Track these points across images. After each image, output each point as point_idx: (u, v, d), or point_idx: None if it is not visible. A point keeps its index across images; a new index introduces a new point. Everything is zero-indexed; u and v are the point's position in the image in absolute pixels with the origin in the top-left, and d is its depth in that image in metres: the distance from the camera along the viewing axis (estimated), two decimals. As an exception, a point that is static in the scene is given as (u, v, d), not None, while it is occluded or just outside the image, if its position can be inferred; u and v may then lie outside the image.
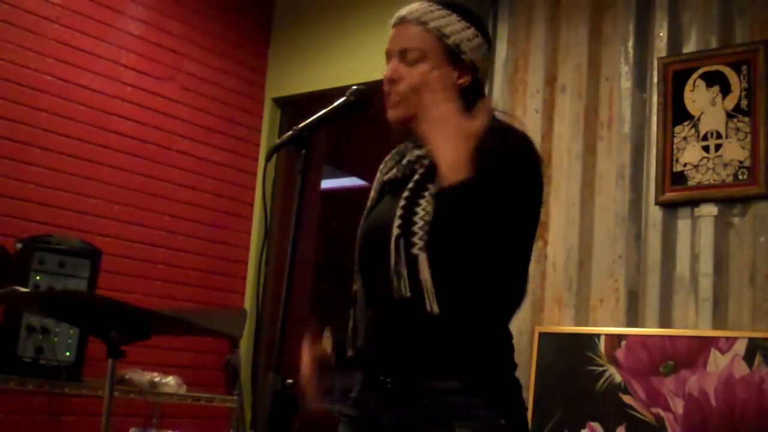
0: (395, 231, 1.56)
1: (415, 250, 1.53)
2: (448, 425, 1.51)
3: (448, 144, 1.48)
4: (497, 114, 1.72)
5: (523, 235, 1.58)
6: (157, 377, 3.34)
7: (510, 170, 1.55)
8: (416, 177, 1.60)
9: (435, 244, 1.52)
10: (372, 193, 1.77)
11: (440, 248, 1.52)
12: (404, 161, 1.67)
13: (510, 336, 1.65)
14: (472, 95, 1.67)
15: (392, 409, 1.57)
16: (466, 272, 1.52)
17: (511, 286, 1.56)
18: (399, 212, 1.57)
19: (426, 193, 1.56)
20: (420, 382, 1.55)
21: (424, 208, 1.55)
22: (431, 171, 1.58)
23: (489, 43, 1.73)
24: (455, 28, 1.67)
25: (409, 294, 1.52)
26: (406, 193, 1.59)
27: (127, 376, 3.26)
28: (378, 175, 1.78)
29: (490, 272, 1.51)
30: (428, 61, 1.65)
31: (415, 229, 1.54)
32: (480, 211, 1.46)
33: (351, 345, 1.70)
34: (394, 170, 1.69)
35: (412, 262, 1.53)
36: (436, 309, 1.50)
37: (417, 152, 1.65)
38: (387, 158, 1.79)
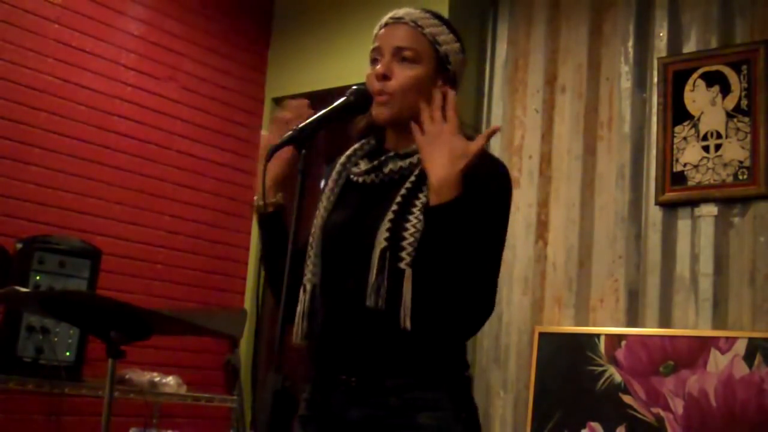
0: (381, 243, 1.56)
1: (402, 265, 1.54)
2: (413, 417, 1.55)
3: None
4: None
5: (498, 253, 1.63)
6: (157, 377, 3.34)
7: (496, 196, 1.62)
8: (403, 192, 1.60)
9: (418, 261, 1.54)
10: (332, 185, 1.74)
11: (423, 267, 1.54)
12: (385, 169, 1.67)
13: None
14: None
15: (357, 406, 1.59)
16: (442, 289, 1.54)
17: (483, 302, 1.57)
18: (387, 225, 1.57)
19: (415, 209, 1.58)
20: (385, 381, 1.57)
21: (414, 225, 1.56)
22: (419, 185, 1.60)
23: (465, 62, 1.77)
24: (446, 38, 1.70)
25: (384, 307, 1.54)
26: (394, 207, 1.59)
27: (127, 376, 3.26)
28: (339, 168, 1.76)
29: (465, 289, 1.53)
30: (421, 64, 1.66)
31: (405, 244, 1.55)
32: (463, 231, 1.51)
33: (298, 331, 1.66)
34: (372, 175, 1.68)
35: (396, 277, 1.54)
36: (408, 326, 1.53)
37: (400, 163, 1.66)
38: (349, 153, 1.77)
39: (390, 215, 1.58)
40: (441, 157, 1.53)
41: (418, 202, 1.59)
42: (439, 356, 1.61)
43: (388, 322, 1.54)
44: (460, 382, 1.64)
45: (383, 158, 1.69)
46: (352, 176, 1.73)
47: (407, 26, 1.68)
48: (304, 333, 1.65)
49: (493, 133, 1.64)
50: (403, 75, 1.65)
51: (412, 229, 1.56)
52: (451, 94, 1.60)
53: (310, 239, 1.69)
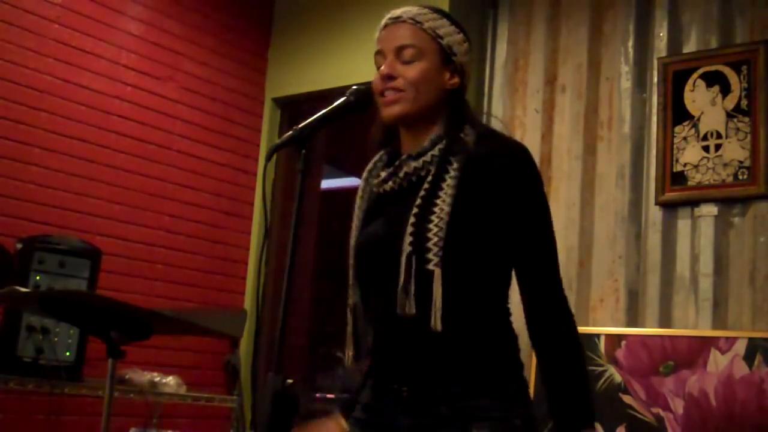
0: (407, 248, 1.55)
1: (430, 266, 1.53)
2: (465, 427, 1.53)
3: None
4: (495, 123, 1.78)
5: (555, 253, 1.69)
6: (157, 377, 3.34)
7: (531, 195, 1.67)
8: (422, 192, 1.60)
9: (448, 260, 1.54)
10: (359, 202, 1.75)
11: (453, 264, 1.54)
12: (400, 173, 1.66)
13: (515, 336, 1.67)
14: (458, 98, 1.70)
15: (408, 415, 1.59)
16: (476, 285, 1.56)
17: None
18: (410, 229, 1.56)
19: (436, 209, 1.57)
20: (435, 390, 1.56)
21: (436, 224, 1.55)
22: (437, 181, 1.60)
23: (472, 50, 1.76)
24: (448, 30, 1.70)
25: (414, 312, 1.54)
26: (414, 210, 1.58)
27: (127, 376, 3.26)
28: (363, 184, 1.77)
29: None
30: (424, 59, 1.66)
31: (430, 245, 1.54)
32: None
33: (351, 353, 1.70)
34: (390, 182, 1.68)
35: (425, 278, 1.54)
36: (439, 327, 1.53)
37: (414, 164, 1.65)
38: (370, 167, 1.78)
39: (412, 219, 1.57)
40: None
41: (438, 201, 1.57)
42: (488, 361, 1.59)
43: (427, 333, 1.54)
44: (514, 386, 1.61)
45: (397, 163, 1.68)
46: (374, 189, 1.73)
47: (406, 24, 1.68)
48: (355, 354, 1.69)
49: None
50: (408, 72, 1.65)
51: (435, 229, 1.55)
52: None
53: (350, 260, 1.71)
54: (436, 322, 1.52)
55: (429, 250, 1.54)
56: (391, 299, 1.57)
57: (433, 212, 1.56)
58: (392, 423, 1.60)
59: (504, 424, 1.55)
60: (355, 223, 1.74)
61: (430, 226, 1.55)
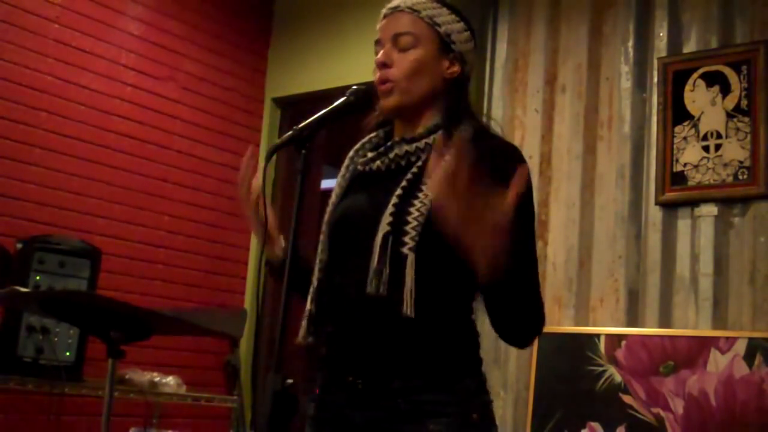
0: (384, 227, 1.53)
1: (405, 250, 1.51)
2: (422, 422, 1.51)
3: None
4: (492, 124, 1.74)
5: (536, 259, 1.58)
6: (157, 377, 3.34)
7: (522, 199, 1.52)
8: (409, 176, 1.58)
9: (423, 247, 1.51)
10: (340, 180, 1.72)
11: (428, 251, 1.51)
12: (390, 154, 1.64)
13: (477, 333, 1.64)
14: (459, 87, 1.69)
15: (363, 409, 1.55)
16: (448, 277, 1.53)
17: (539, 313, 1.54)
18: (390, 209, 1.54)
19: (420, 194, 1.55)
20: (392, 383, 1.53)
21: (418, 209, 1.53)
22: (425, 171, 1.56)
23: (475, 39, 1.73)
24: (446, 19, 1.68)
25: (385, 293, 1.50)
26: (398, 191, 1.56)
27: (127, 376, 3.26)
28: (347, 162, 1.74)
29: (523, 307, 1.50)
30: (420, 47, 1.65)
31: (408, 228, 1.52)
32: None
33: (305, 331, 1.64)
34: (377, 162, 1.65)
35: (398, 262, 1.51)
36: (411, 313, 1.49)
37: (406, 147, 1.63)
38: (357, 146, 1.76)
39: (394, 200, 1.55)
40: (481, 239, 1.37)
41: (424, 187, 1.54)
42: (450, 355, 1.56)
43: (394, 318, 1.50)
44: (472, 380, 1.58)
45: (389, 144, 1.67)
46: (359, 167, 1.70)
47: (404, 13, 1.68)
48: (309, 332, 1.63)
49: (524, 179, 1.41)
50: (403, 60, 1.64)
51: (416, 213, 1.52)
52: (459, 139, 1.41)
53: (321, 236, 1.68)
54: (408, 308, 1.48)
55: (406, 233, 1.52)
56: (357, 279, 1.54)
57: (417, 197, 1.54)
58: (347, 418, 1.57)
59: (462, 418, 1.52)
60: (333, 199, 1.71)
61: (412, 210, 1.53)
